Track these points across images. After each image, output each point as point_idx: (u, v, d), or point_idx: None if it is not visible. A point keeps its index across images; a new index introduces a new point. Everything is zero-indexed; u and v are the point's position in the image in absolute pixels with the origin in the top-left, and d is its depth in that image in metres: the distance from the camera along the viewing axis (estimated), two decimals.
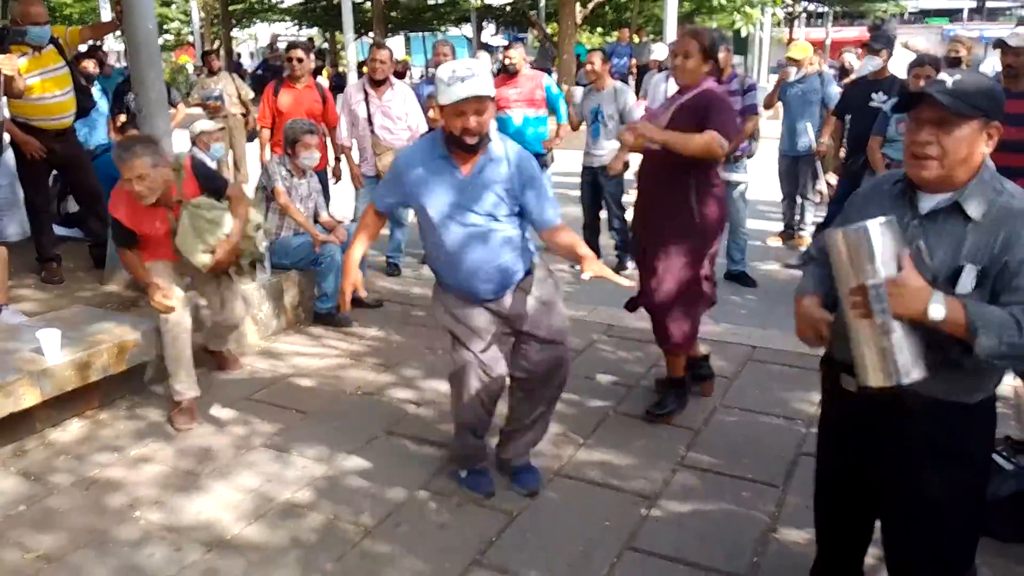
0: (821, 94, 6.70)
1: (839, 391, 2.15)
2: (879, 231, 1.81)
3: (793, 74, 6.72)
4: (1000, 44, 4.49)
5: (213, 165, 6.35)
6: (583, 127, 6.63)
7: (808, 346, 2.13)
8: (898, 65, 6.20)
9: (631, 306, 4.08)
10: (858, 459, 2.18)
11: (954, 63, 5.93)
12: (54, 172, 5.74)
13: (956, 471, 2.02)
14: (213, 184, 4.08)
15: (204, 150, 6.32)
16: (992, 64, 7.71)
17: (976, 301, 1.83)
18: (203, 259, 3.96)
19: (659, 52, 9.11)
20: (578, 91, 6.54)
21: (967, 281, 1.86)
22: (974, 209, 1.88)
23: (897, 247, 1.83)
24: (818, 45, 18.14)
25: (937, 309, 1.77)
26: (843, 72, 7.18)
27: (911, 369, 1.84)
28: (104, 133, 7.03)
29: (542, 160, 6.88)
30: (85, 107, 5.43)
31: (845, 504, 2.30)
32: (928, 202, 1.95)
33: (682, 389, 4.01)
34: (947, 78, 1.88)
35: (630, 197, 6.45)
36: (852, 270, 1.85)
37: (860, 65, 6.93)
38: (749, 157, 6.33)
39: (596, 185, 6.48)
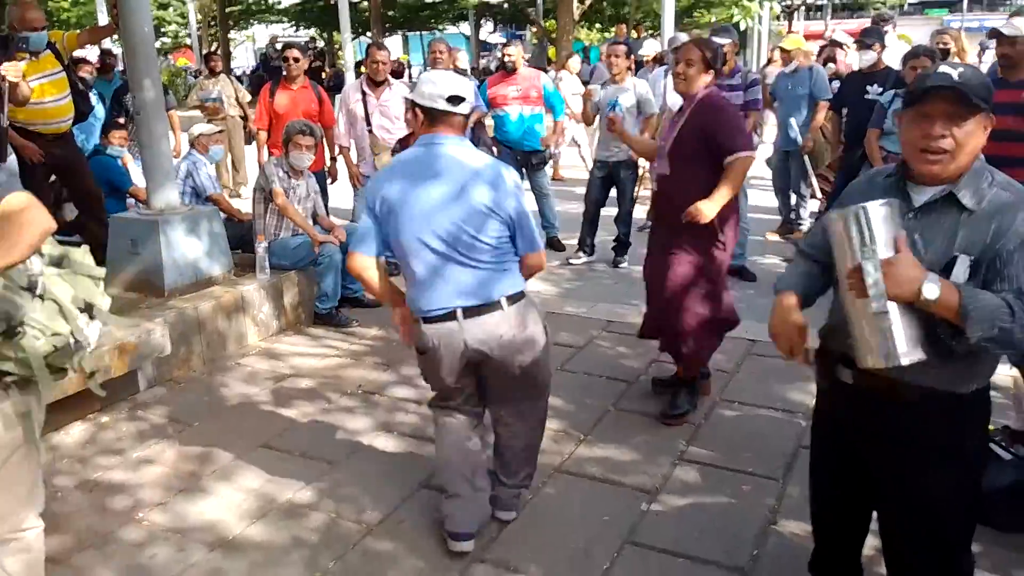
0: (810, 88, 6.69)
1: (835, 382, 2.15)
2: (878, 213, 1.83)
3: (600, 88, 6.53)
4: (995, 34, 4.50)
5: (211, 168, 6.34)
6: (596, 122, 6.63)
7: (779, 350, 2.15)
8: (893, 57, 6.20)
9: (646, 333, 4.20)
10: (853, 451, 2.18)
11: (943, 55, 5.94)
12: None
13: (951, 462, 2.03)
14: None
15: (203, 152, 6.34)
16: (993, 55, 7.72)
17: (969, 286, 1.84)
18: None
19: (649, 48, 9.12)
20: (596, 88, 6.51)
21: (960, 272, 1.87)
22: (969, 200, 1.89)
23: (895, 230, 1.85)
24: (817, 37, 18.14)
25: (931, 289, 1.78)
26: (827, 63, 7.17)
27: (909, 350, 1.84)
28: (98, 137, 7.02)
29: (540, 156, 6.90)
30: (83, 111, 5.45)
31: (841, 496, 2.31)
32: (923, 195, 1.96)
33: (693, 387, 3.99)
34: (951, 71, 1.88)
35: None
36: (849, 251, 1.87)
37: (845, 58, 6.97)
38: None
39: (608, 179, 6.45)
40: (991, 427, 3.11)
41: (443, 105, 2.66)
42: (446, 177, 2.65)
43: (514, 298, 2.77)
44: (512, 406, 2.98)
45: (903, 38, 10.98)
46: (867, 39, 5.76)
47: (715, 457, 3.54)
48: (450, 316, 2.71)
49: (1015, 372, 3.52)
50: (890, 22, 7.24)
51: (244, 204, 7.36)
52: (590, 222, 6.65)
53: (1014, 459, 3.10)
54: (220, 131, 6.69)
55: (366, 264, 2.79)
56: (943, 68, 1.91)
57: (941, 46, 6.00)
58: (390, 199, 2.69)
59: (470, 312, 2.70)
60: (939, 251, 1.90)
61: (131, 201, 6.20)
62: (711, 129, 3.65)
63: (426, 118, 2.72)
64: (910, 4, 41.26)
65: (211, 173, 6.33)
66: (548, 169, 7.12)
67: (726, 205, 3.71)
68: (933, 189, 1.94)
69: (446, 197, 2.64)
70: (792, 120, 6.71)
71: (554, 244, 7.12)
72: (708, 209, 3.63)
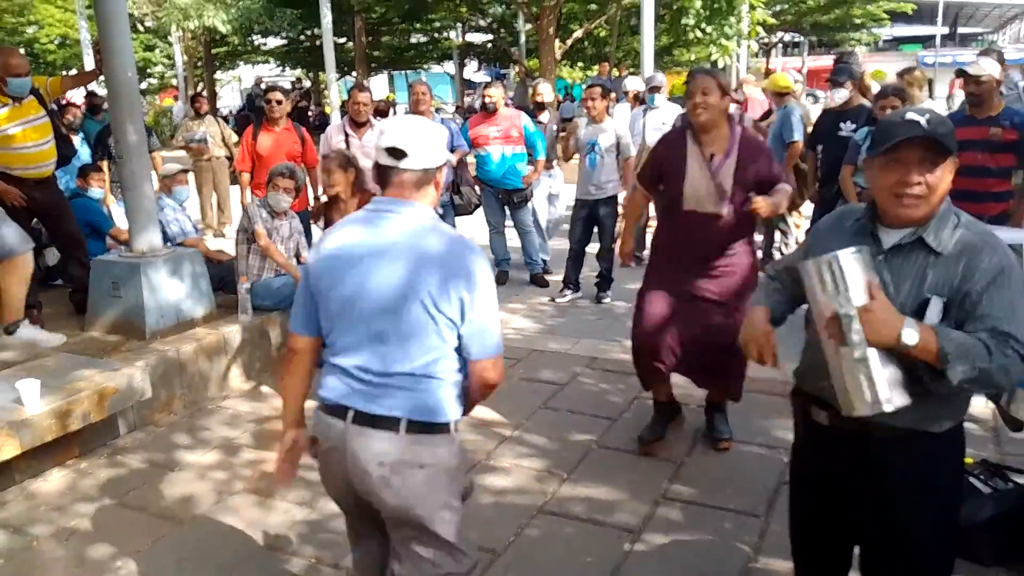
0: (779, 128, 6.77)
1: (810, 423, 2.18)
2: (850, 260, 1.85)
3: (584, 125, 6.60)
4: (962, 73, 4.61)
5: (175, 211, 6.18)
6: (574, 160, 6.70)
7: (752, 359, 2.18)
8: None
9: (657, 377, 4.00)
10: (832, 490, 2.20)
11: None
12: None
13: (928, 499, 2.05)
14: None
15: (166, 193, 6.21)
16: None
17: (945, 328, 1.87)
18: None
19: (632, 84, 9.27)
20: (582, 123, 6.59)
21: (934, 313, 1.91)
22: (937, 242, 1.93)
23: (868, 275, 1.87)
24: (796, 72, 18.40)
25: (910, 335, 1.80)
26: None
27: (892, 396, 1.85)
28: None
29: (522, 194, 6.97)
30: (66, 155, 5.47)
31: (821, 535, 2.32)
32: (892, 237, 2.00)
33: (724, 410, 4.05)
34: (918, 118, 1.91)
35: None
36: (825, 300, 1.89)
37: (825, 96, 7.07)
38: None
39: (590, 217, 6.51)
40: (969, 460, 3.15)
41: (384, 159, 2.15)
42: (377, 250, 2.11)
43: (421, 426, 2.11)
44: (404, 561, 2.25)
45: (878, 74, 11.15)
46: (838, 77, 5.87)
47: (697, 495, 3.54)
48: (340, 413, 2.17)
49: (993, 405, 3.55)
50: (851, 58, 7.33)
51: (229, 244, 7.35)
52: (574, 260, 6.69)
53: (993, 492, 3.11)
54: (185, 171, 6.52)
55: (299, 344, 2.30)
56: (910, 115, 1.94)
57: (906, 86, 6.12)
58: (315, 268, 2.20)
59: (361, 419, 2.13)
60: (910, 293, 1.94)
61: (111, 242, 6.18)
62: (761, 162, 3.69)
63: (375, 176, 2.23)
64: (885, 40, 42.06)
65: (177, 216, 6.03)
66: (530, 206, 7.16)
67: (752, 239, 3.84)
68: (902, 231, 1.98)
69: (371, 278, 2.10)
70: None
71: (538, 280, 7.15)
72: (769, 208, 3.57)
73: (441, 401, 2.13)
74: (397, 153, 2.12)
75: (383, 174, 2.17)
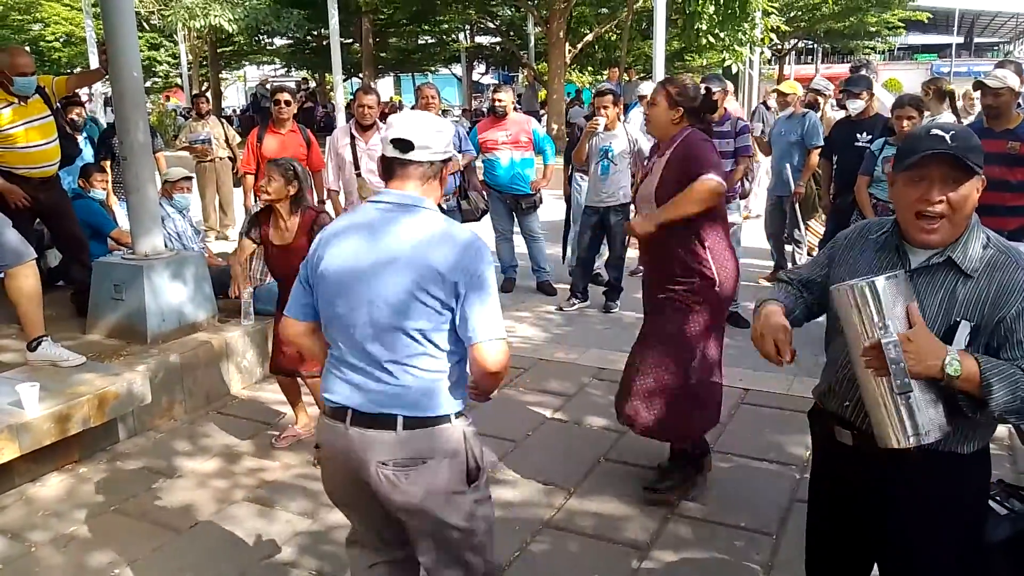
0: (801, 135, 6.72)
1: (833, 444, 2.12)
2: (889, 286, 1.78)
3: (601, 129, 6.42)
4: (980, 86, 4.54)
5: (177, 218, 6.08)
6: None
7: (763, 356, 2.05)
8: (881, 106, 6.26)
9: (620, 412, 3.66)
10: (852, 510, 2.14)
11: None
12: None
13: (952, 520, 2.01)
14: None
15: (166, 198, 6.15)
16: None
17: (986, 357, 1.81)
18: None
19: (645, 89, 9.19)
20: (602, 122, 6.44)
21: (961, 338, 1.84)
22: (966, 262, 1.87)
23: (905, 301, 1.80)
24: (807, 81, 18.36)
25: (954, 364, 1.74)
26: (810, 107, 7.26)
27: (931, 428, 1.80)
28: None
29: (531, 200, 6.90)
30: (70, 155, 5.43)
31: (839, 556, 2.26)
32: (919, 256, 1.93)
33: (684, 461, 3.66)
34: (943, 134, 1.84)
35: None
36: (862, 327, 1.80)
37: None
38: (743, 198, 6.35)
39: (600, 224, 6.42)
40: None
41: (389, 151, 2.15)
42: (379, 245, 2.10)
43: (418, 421, 2.10)
44: (426, 554, 2.24)
45: (893, 83, 11.10)
46: (854, 88, 5.80)
47: (707, 511, 3.47)
48: (341, 415, 2.15)
49: (1009, 426, 3.48)
50: (867, 68, 7.29)
51: (231, 247, 7.31)
52: (582, 268, 6.62)
53: (1010, 513, 3.04)
54: (188, 177, 6.48)
55: (293, 329, 2.29)
56: (935, 130, 1.87)
57: (929, 96, 6.06)
58: (317, 260, 2.18)
59: (359, 420, 2.12)
60: (938, 316, 1.88)
61: (112, 244, 6.12)
62: (687, 162, 3.39)
63: (380, 169, 2.23)
64: (899, 49, 42.06)
65: (177, 227, 5.97)
66: (538, 213, 7.10)
67: (712, 243, 3.44)
68: (930, 251, 1.91)
69: (373, 270, 2.08)
70: (788, 165, 6.74)
71: (545, 288, 7.08)
72: (647, 225, 3.37)
73: (436, 395, 2.11)
74: (404, 145, 2.13)
75: (389, 166, 2.17)
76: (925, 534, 2.01)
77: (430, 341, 2.08)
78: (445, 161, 2.20)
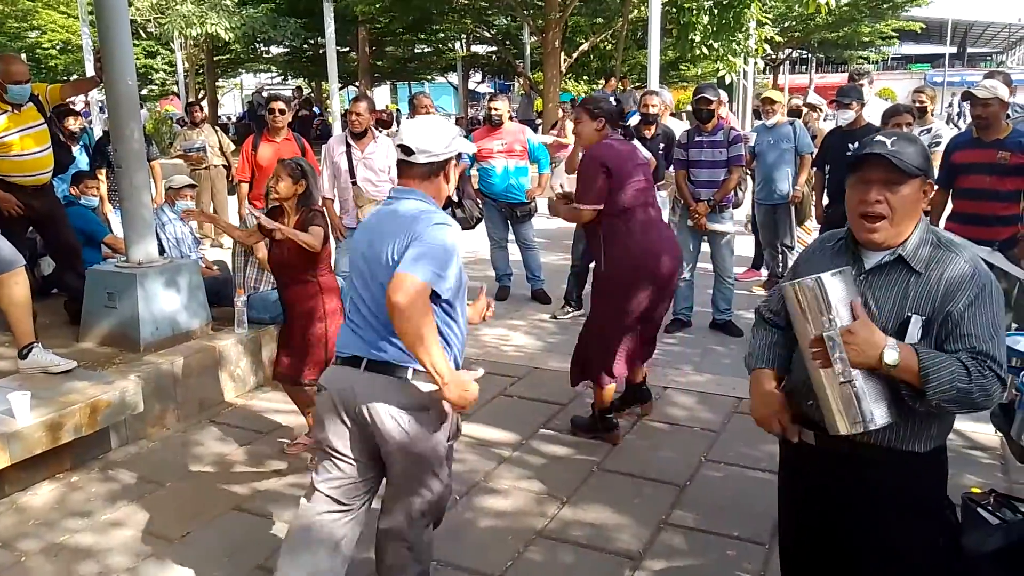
0: (794, 142, 6.76)
1: (797, 445, 2.19)
2: (833, 282, 1.90)
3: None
4: (969, 96, 4.57)
5: (177, 224, 6.06)
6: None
7: (767, 431, 2.18)
8: (874, 113, 6.28)
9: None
10: (819, 509, 2.22)
11: (921, 112, 6.03)
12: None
13: (914, 520, 2.10)
14: None
15: (169, 205, 6.15)
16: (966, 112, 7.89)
17: (925, 348, 1.91)
18: None
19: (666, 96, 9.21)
20: None
21: (914, 332, 1.95)
22: (917, 262, 1.99)
23: (850, 296, 1.91)
24: (801, 91, 18.42)
25: (891, 355, 1.85)
26: (795, 115, 7.32)
27: (878, 415, 1.91)
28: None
29: (526, 208, 6.91)
30: (63, 163, 5.42)
31: (810, 555, 2.32)
32: (872, 257, 2.05)
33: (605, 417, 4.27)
34: (885, 139, 1.98)
35: None
36: (809, 322, 1.93)
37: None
38: (736, 207, 6.36)
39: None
40: (976, 489, 3.10)
41: (398, 155, 2.55)
42: (379, 231, 2.49)
43: (378, 365, 2.46)
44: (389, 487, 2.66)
45: (887, 92, 11.16)
46: (844, 99, 5.84)
47: (700, 520, 3.47)
48: (352, 363, 2.52)
49: (1000, 435, 3.49)
50: (866, 77, 7.35)
51: (226, 254, 7.30)
52: (576, 276, 6.62)
53: (1001, 523, 3.04)
54: (192, 185, 6.47)
55: None
56: (879, 136, 2.01)
57: (918, 104, 6.10)
58: (350, 246, 2.76)
59: (343, 360, 2.54)
60: (891, 312, 1.98)
61: (106, 251, 6.12)
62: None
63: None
64: (893, 59, 42.29)
65: (177, 233, 6.00)
66: (533, 221, 7.11)
67: (615, 241, 4.06)
68: (882, 252, 2.03)
69: (373, 250, 2.47)
70: (786, 171, 6.76)
71: (539, 297, 7.09)
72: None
73: (397, 345, 2.41)
74: (405, 150, 2.50)
75: (398, 167, 2.58)
76: (889, 530, 2.09)
77: None
78: (446, 160, 2.54)
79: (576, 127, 4.22)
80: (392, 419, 2.45)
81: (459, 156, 2.61)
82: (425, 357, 2.31)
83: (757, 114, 8.43)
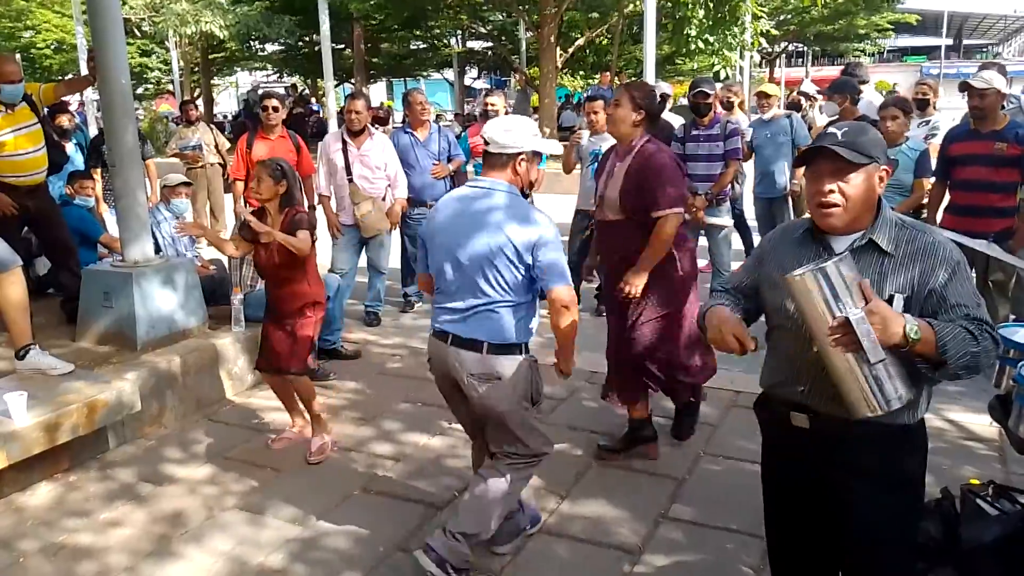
0: (791, 135, 6.75)
1: (788, 429, 2.21)
2: (837, 269, 1.89)
3: (587, 136, 6.37)
4: (965, 87, 4.56)
5: (174, 222, 6.07)
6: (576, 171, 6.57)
7: (724, 351, 2.16)
8: (870, 106, 6.28)
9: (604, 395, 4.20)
10: (807, 493, 2.24)
11: (922, 105, 6.03)
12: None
13: (901, 488, 2.15)
14: None
15: (164, 204, 6.12)
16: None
17: (936, 320, 1.94)
18: None
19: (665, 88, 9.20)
20: (585, 134, 6.45)
21: (898, 309, 1.96)
22: (887, 243, 2.05)
23: (857, 279, 1.91)
24: (797, 84, 18.40)
25: (913, 327, 1.86)
26: (794, 108, 7.33)
27: (901, 391, 1.93)
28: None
29: None
30: (57, 162, 5.40)
31: (799, 540, 2.34)
32: (842, 243, 2.09)
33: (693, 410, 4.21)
34: (836, 131, 2.04)
35: None
36: (823, 309, 1.91)
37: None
38: (733, 201, 6.35)
39: (591, 230, 6.36)
40: (975, 480, 3.10)
41: (483, 146, 2.99)
42: (467, 213, 2.90)
43: (497, 347, 2.89)
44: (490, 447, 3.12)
45: (883, 85, 11.15)
46: (834, 93, 5.85)
47: (698, 514, 3.47)
48: (444, 337, 2.96)
49: (999, 426, 3.49)
50: (860, 68, 7.34)
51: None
52: (574, 272, 6.57)
53: (999, 514, 3.04)
54: (187, 183, 6.44)
55: (423, 279, 3.18)
56: (831, 129, 2.07)
57: (920, 96, 6.10)
58: (428, 223, 3.05)
59: (456, 342, 2.92)
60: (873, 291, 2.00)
61: (102, 250, 6.10)
62: (647, 182, 3.69)
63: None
64: (889, 51, 42.25)
65: (172, 232, 5.90)
66: None
67: (684, 245, 3.86)
68: (851, 236, 2.08)
69: (463, 231, 2.87)
70: (783, 165, 6.75)
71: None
72: (639, 280, 3.75)
73: (511, 327, 2.90)
74: (484, 141, 2.94)
75: (483, 156, 3.00)
76: (877, 501, 2.12)
77: (503, 287, 2.85)
78: (517, 154, 2.90)
79: (613, 109, 3.83)
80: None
81: (537, 154, 2.97)
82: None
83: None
